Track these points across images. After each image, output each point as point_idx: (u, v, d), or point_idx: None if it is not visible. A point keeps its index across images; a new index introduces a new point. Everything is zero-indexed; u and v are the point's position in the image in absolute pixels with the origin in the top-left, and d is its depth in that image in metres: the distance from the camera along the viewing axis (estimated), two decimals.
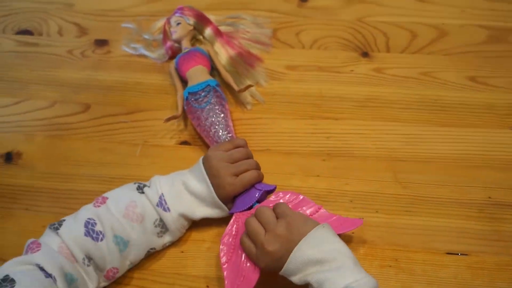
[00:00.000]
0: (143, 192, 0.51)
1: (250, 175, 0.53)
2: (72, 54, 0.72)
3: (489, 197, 0.56)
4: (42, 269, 0.43)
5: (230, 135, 0.59)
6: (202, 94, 0.61)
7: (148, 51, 0.71)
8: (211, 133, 0.59)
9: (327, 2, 0.73)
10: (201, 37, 0.71)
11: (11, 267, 0.43)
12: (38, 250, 0.45)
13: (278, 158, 0.61)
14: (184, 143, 0.64)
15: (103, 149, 0.64)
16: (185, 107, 0.63)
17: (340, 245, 0.45)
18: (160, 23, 0.73)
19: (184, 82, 0.66)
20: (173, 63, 0.67)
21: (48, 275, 0.43)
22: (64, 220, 0.50)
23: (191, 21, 0.68)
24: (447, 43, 0.68)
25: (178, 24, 0.66)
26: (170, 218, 0.51)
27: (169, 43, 0.69)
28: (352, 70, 0.67)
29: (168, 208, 0.51)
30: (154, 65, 0.70)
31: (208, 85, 0.61)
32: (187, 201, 0.52)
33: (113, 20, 0.74)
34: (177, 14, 0.69)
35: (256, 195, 0.53)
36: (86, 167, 0.63)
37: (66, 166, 0.63)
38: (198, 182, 0.52)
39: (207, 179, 0.52)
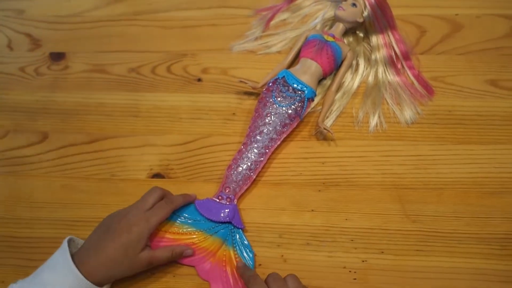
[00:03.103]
0: None
1: None
2: (25, 72, 0.62)
3: None
4: None
5: (252, 166, 0.52)
6: (290, 93, 0.53)
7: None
8: (251, 139, 0.53)
9: None
10: (361, 35, 0.58)
11: None
12: None
13: (265, 190, 0.53)
14: (157, 175, 0.55)
15: (65, 187, 0.56)
16: (266, 86, 0.55)
17: None
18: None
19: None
20: (308, 34, 0.58)
21: None
22: None
23: (367, 13, 0.55)
24: (462, 39, 0.58)
25: (354, 5, 0.55)
26: None
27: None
28: None
29: None
30: (120, 81, 0.60)
31: (303, 91, 0.53)
32: None
33: (69, 28, 0.64)
34: None
35: None
36: (46, 209, 0.55)
37: (24, 208, 0.55)
38: None
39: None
